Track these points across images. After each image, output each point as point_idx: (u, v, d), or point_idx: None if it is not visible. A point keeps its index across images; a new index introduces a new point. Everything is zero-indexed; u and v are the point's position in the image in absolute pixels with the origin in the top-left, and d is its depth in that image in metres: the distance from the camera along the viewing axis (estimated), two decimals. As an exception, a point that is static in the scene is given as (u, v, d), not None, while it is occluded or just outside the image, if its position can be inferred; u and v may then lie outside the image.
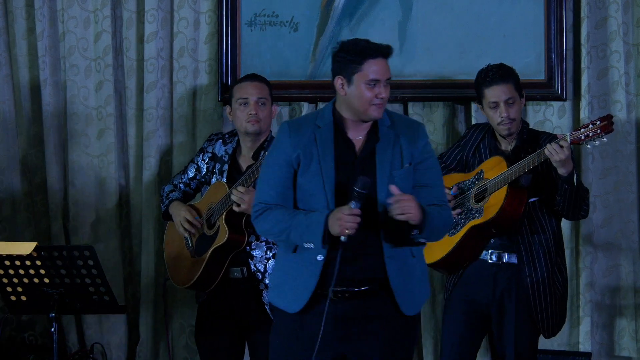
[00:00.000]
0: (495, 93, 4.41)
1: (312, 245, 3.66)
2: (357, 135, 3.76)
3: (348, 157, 3.73)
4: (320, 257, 3.67)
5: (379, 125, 3.76)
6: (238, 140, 4.65)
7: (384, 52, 3.70)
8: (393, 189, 3.63)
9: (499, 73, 4.43)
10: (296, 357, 3.75)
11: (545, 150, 4.21)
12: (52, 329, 4.45)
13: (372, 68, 3.67)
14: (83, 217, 5.39)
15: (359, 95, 3.68)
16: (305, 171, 3.72)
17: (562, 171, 4.23)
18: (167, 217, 4.76)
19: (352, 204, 3.59)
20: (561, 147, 4.19)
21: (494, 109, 4.42)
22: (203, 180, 4.73)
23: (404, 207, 3.60)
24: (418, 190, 3.75)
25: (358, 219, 3.60)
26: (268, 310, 4.37)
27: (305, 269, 3.70)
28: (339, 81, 3.72)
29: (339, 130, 3.75)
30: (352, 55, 3.68)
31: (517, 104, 4.43)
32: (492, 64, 4.50)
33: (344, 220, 3.59)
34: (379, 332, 3.73)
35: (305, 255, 3.71)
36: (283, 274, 3.78)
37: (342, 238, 3.61)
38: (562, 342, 5.10)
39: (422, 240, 3.73)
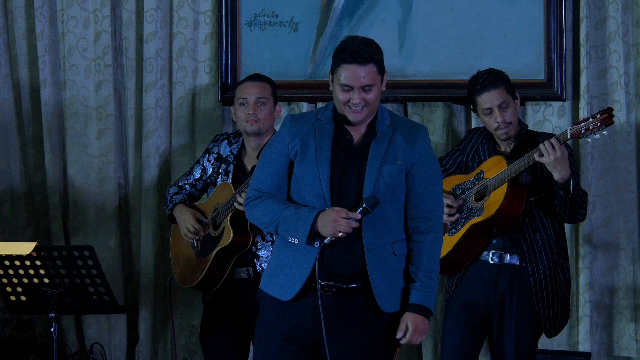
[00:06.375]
0: (487, 99, 4.41)
1: (295, 241, 3.69)
2: (356, 131, 3.79)
3: (345, 149, 3.76)
4: (317, 244, 3.68)
5: (378, 122, 3.78)
6: (243, 140, 4.65)
7: (359, 58, 3.66)
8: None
9: (488, 79, 4.42)
10: (281, 343, 3.75)
11: (540, 148, 4.22)
12: (52, 329, 4.45)
13: (344, 73, 3.68)
14: (83, 217, 5.40)
15: (336, 96, 3.73)
16: (302, 160, 3.74)
17: (556, 176, 4.23)
18: (172, 219, 4.76)
19: (358, 214, 3.64)
20: (553, 146, 4.19)
21: (489, 115, 4.42)
22: (209, 181, 4.73)
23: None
24: (410, 196, 3.77)
25: (355, 224, 3.64)
26: None
27: (302, 257, 3.71)
28: (330, 76, 3.77)
29: (339, 125, 3.77)
30: (335, 55, 3.72)
31: (511, 107, 4.42)
32: (481, 70, 4.50)
33: (339, 223, 3.62)
34: (359, 331, 3.74)
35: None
36: (280, 263, 3.79)
37: (327, 239, 3.65)
38: (561, 342, 5.10)
39: None
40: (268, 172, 3.81)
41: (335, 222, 3.62)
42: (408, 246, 3.80)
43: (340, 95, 3.70)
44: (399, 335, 3.75)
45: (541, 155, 4.21)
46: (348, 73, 3.66)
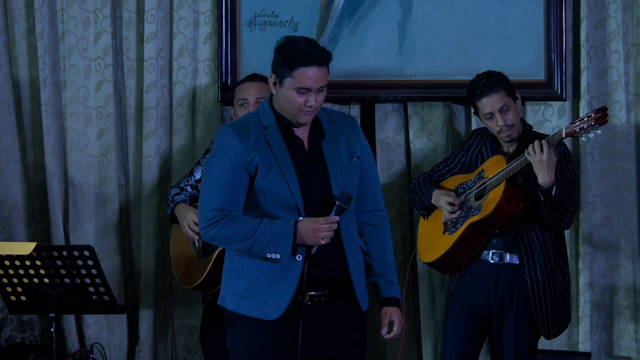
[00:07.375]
0: (487, 104, 4.41)
1: (277, 256, 3.61)
2: (301, 132, 3.73)
3: (299, 155, 3.70)
4: (299, 257, 3.63)
5: (321, 121, 3.74)
6: None
7: (318, 59, 3.60)
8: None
9: (487, 84, 4.42)
10: None
11: (531, 145, 4.23)
12: (52, 329, 4.45)
13: (302, 75, 3.59)
14: (83, 217, 5.40)
15: (289, 100, 3.64)
16: (266, 174, 3.64)
17: (540, 180, 4.23)
18: (173, 219, 4.75)
19: (336, 217, 3.61)
20: (541, 147, 4.20)
21: (491, 119, 4.43)
22: (210, 181, 4.73)
23: None
24: (360, 189, 3.76)
25: (335, 226, 3.61)
26: None
27: (283, 272, 3.64)
28: (272, 78, 3.68)
29: (285, 128, 3.70)
30: (288, 59, 3.62)
31: (512, 109, 4.43)
32: (480, 74, 4.50)
33: (322, 231, 3.58)
34: (346, 335, 3.72)
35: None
36: (254, 281, 3.67)
37: (314, 249, 3.62)
38: (561, 342, 5.09)
39: None
40: (227, 190, 3.65)
41: (317, 231, 3.58)
42: (362, 240, 3.81)
43: (295, 99, 3.61)
44: (383, 331, 3.75)
45: (529, 153, 4.23)
46: (307, 75, 3.59)
